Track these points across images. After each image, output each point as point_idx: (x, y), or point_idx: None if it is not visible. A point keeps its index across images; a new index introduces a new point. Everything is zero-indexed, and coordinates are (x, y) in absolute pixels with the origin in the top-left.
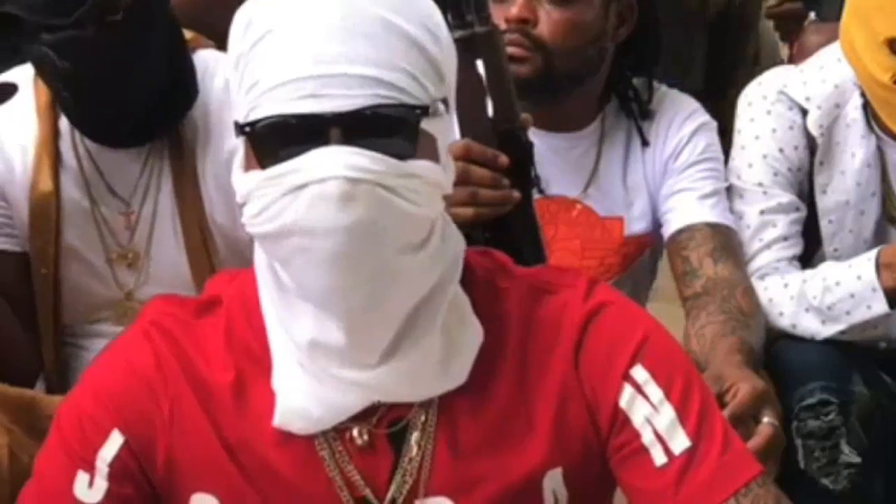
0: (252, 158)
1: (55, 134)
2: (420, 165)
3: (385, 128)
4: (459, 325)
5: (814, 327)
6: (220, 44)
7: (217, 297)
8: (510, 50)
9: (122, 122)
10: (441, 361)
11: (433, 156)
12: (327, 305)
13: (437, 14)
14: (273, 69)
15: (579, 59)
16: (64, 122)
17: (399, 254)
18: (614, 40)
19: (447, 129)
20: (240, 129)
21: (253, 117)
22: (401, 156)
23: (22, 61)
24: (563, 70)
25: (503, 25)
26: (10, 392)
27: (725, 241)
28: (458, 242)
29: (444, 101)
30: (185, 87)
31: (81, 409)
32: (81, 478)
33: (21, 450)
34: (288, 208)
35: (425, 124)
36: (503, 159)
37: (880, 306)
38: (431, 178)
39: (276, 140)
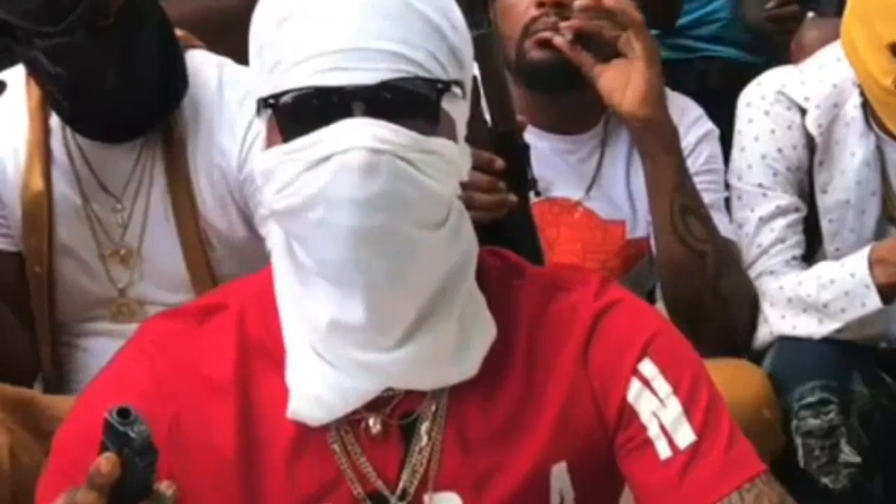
0: (273, 134)
1: (46, 132)
2: (440, 143)
3: (407, 102)
4: (474, 317)
5: (811, 327)
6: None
7: (221, 302)
8: (543, 34)
9: (114, 119)
10: (454, 351)
11: (452, 136)
12: (347, 281)
13: (455, 8)
14: (296, 47)
15: (605, 47)
16: (55, 120)
17: (419, 229)
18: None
19: (464, 115)
20: (263, 103)
21: (276, 91)
22: (422, 131)
23: (13, 63)
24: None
25: (534, 9)
26: (9, 391)
27: None
28: (471, 237)
29: (462, 86)
30: (175, 81)
31: (77, 434)
32: None
33: (22, 449)
34: (312, 180)
35: (445, 103)
36: (499, 163)
37: (873, 303)
38: (450, 156)
39: (299, 113)
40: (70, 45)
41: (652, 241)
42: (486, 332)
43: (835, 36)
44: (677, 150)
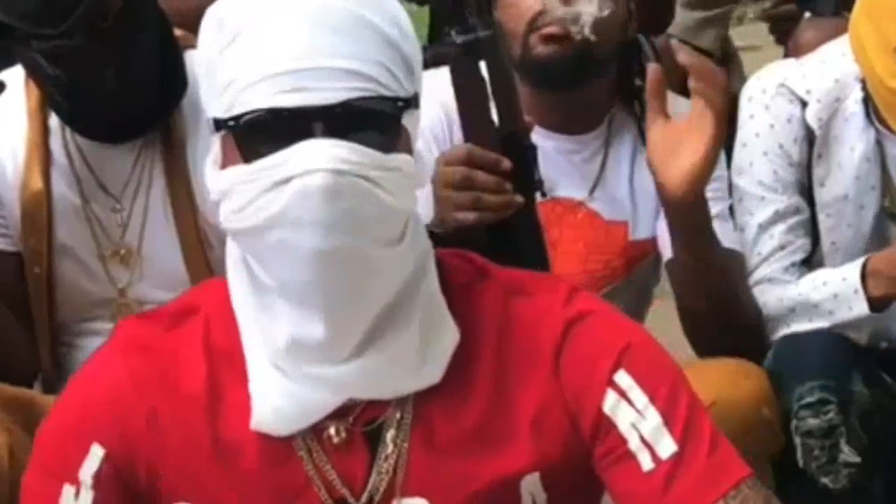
0: (231, 154)
1: (45, 133)
2: (400, 159)
3: (367, 121)
4: (435, 324)
5: (802, 325)
6: None
7: (193, 305)
8: (550, 29)
9: (114, 119)
10: (414, 360)
11: (408, 149)
12: (307, 300)
13: (402, 14)
14: (250, 66)
15: (611, 43)
16: (54, 121)
17: (379, 246)
18: (624, 35)
19: (417, 124)
20: (222, 123)
21: (234, 112)
22: (382, 148)
23: (12, 63)
24: (596, 54)
25: (538, 4)
26: (8, 391)
27: None
28: (425, 240)
29: (416, 97)
30: (174, 82)
31: (60, 427)
32: (68, 490)
33: (21, 449)
34: (273, 202)
35: (405, 119)
36: (506, 163)
37: (860, 308)
38: (408, 171)
39: (259, 135)
40: (69, 47)
41: (660, 248)
42: (448, 337)
43: (832, 36)
44: (708, 228)
